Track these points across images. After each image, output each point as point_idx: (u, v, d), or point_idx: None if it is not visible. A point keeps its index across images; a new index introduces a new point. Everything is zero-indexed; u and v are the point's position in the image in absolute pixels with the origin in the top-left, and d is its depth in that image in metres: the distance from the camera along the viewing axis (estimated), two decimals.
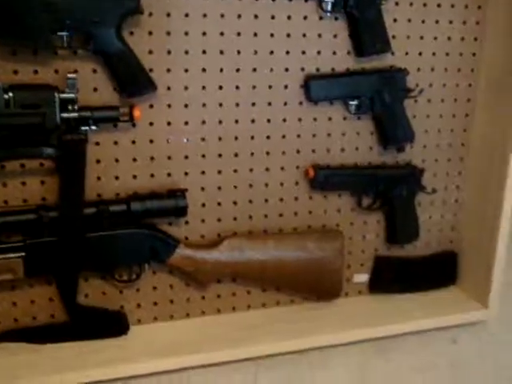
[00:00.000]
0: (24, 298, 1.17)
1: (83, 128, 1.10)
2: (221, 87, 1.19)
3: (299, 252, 1.26)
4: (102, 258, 1.15)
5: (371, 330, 1.29)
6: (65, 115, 1.07)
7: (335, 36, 1.23)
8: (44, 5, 1.02)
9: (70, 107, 1.07)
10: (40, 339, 1.16)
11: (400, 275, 1.39)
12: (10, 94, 1.04)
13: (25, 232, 1.11)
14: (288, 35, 1.20)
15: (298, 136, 1.26)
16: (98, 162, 1.15)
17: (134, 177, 1.18)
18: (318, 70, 1.23)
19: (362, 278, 1.38)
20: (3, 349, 1.15)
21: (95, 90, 1.12)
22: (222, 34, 1.16)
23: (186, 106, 1.17)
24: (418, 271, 1.41)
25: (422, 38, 1.29)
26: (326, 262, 1.28)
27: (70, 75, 1.07)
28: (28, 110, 1.05)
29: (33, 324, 1.18)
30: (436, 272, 1.42)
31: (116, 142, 1.15)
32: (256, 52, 1.19)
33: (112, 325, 1.20)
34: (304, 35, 1.21)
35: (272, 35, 1.20)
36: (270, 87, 1.22)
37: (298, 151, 1.27)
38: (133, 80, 1.11)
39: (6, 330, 1.16)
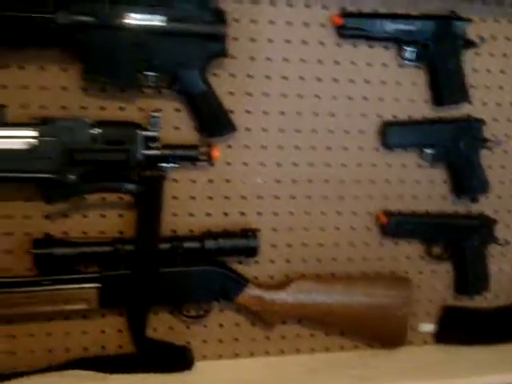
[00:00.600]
0: (95, 327, 1.20)
1: (162, 165, 1.11)
2: (298, 130, 1.20)
3: (366, 298, 1.25)
4: (173, 293, 1.17)
5: (435, 383, 1.26)
6: (147, 152, 1.09)
7: (413, 84, 1.23)
8: (133, 45, 1.05)
9: (152, 145, 1.10)
10: (108, 369, 1.18)
11: (468, 327, 1.37)
12: (97, 130, 1.06)
13: (101, 263, 1.13)
14: (367, 81, 1.21)
15: (372, 181, 1.26)
16: (175, 198, 1.17)
17: (208, 214, 1.19)
18: (394, 116, 1.24)
19: (428, 327, 1.36)
20: (72, 376, 1.17)
21: (176, 128, 1.14)
22: (301, 78, 1.18)
23: (263, 147, 1.19)
24: (488, 323, 1.38)
25: (500, 88, 1.28)
26: (393, 309, 1.26)
27: (153, 114, 1.10)
28: (113, 146, 1.07)
29: (102, 353, 1.19)
30: (506, 324, 1.38)
31: (193, 180, 1.17)
32: (335, 97, 1.20)
33: (178, 359, 1.21)
34: (383, 82, 1.21)
35: (351, 81, 1.20)
36: (347, 132, 1.22)
37: (370, 196, 1.26)
38: (214, 120, 1.13)
39: (75, 357, 1.17)
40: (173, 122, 1.14)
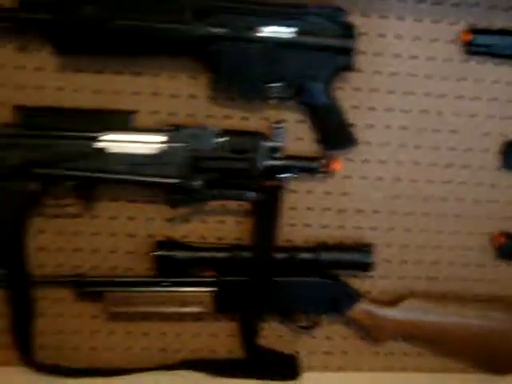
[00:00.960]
0: (206, 331, 1.22)
1: (282, 175, 1.12)
2: (419, 146, 1.18)
3: (481, 320, 1.22)
4: (285, 302, 1.18)
5: None
6: (270, 162, 1.10)
7: None
8: (263, 57, 1.06)
9: (274, 155, 1.11)
10: (217, 372, 1.20)
11: None
12: (223, 139, 1.08)
13: (218, 269, 1.15)
14: (492, 99, 1.18)
15: (491, 201, 1.23)
16: (292, 208, 1.17)
17: (324, 226, 1.20)
18: None
19: None
20: (181, 376, 1.19)
21: (298, 139, 1.15)
22: (426, 94, 1.16)
23: (382, 162, 1.18)
24: None
25: None
26: (509, 334, 1.22)
27: (278, 124, 1.11)
28: (237, 154, 1.08)
29: (211, 356, 1.21)
30: None
31: (311, 191, 1.17)
32: (458, 114, 1.18)
33: (285, 368, 1.22)
34: (509, 101, 1.18)
35: (476, 98, 1.18)
36: (468, 150, 1.20)
37: (488, 217, 1.24)
38: (336, 134, 1.13)
39: (186, 358, 1.20)
40: (295, 132, 1.15)
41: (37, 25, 1.02)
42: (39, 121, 1.07)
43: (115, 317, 1.18)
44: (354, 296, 1.18)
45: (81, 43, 1.03)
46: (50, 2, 1.01)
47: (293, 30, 1.06)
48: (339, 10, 1.07)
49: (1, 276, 1.12)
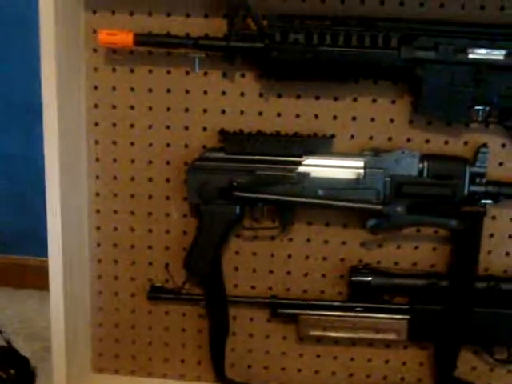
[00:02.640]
0: (396, 358, 1.21)
1: (485, 201, 1.07)
2: None
3: None
4: (484, 333, 1.12)
5: None
6: (473, 188, 1.06)
7: None
8: (470, 80, 1.03)
9: (478, 180, 1.06)
10: None
11: None
12: (424, 164, 1.05)
13: (413, 296, 1.12)
14: None
15: None
16: (491, 236, 1.12)
17: None
18: None
19: None
20: None
21: (501, 164, 1.10)
22: None
23: None
24: None
25: None
26: None
27: (482, 149, 1.07)
28: (440, 180, 1.05)
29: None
30: None
31: None
32: None
33: None
34: None
35: None
36: None
37: None
38: None
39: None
40: (498, 157, 1.10)
41: (247, 53, 1.03)
42: (243, 145, 1.08)
43: (306, 339, 1.18)
44: None
45: (287, 69, 1.03)
46: (260, 32, 1.01)
47: (502, 51, 1.01)
48: None
49: (201, 294, 1.14)
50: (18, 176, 1.61)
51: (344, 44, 1.02)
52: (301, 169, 1.07)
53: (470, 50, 1.02)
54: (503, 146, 1.10)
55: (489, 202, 1.10)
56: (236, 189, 1.08)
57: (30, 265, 1.67)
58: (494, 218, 1.13)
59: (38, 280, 1.55)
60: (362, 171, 1.07)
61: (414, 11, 1.05)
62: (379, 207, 1.06)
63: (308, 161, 1.08)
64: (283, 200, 1.08)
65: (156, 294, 1.17)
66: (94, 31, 1.10)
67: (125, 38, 1.04)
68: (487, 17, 1.05)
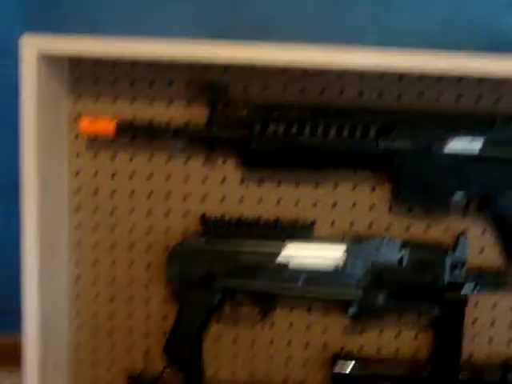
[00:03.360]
0: None
1: (466, 289, 1.07)
2: None
3: None
4: None
5: None
6: (454, 276, 1.07)
7: None
8: (448, 170, 1.04)
9: (458, 268, 1.06)
10: None
11: None
12: (405, 251, 1.05)
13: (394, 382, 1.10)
14: None
15: None
16: (474, 322, 1.12)
17: (510, 343, 1.11)
18: None
19: None
20: None
21: (481, 251, 1.10)
22: None
23: None
24: None
25: None
26: None
27: (462, 237, 1.08)
28: (420, 268, 1.05)
29: None
30: None
31: (494, 305, 1.11)
32: None
33: None
34: None
35: None
36: None
37: None
38: None
39: None
40: (478, 244, 1.10)
41: (228, 142, 1.04)
42: (223, 232, 1.08)
43: None
44: None
45: (267, 159, 1.05)
46: (240, 121, 1.02)
47: (480, 142, 1.02)
48: None
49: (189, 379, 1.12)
50: None
51: (323, 134, 1.02)
52: (282, 256, 1.07)
53: (447, 141, 1.03)
54: (483, 232, 1.10)
55: (470, 289, 1.08)
56: (216, 276, 1.07)
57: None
58: (475, 304, 1.12)
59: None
60: (342, 258, 1.06)
61: (392, 102, 1.05)
62: (360, 295, 1.05)
63: (289, 248, 1.07)
64: (264, 289, 1.07)
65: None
66: (77, 117, 1.10)
67: (107, 127, 1.05)
68: (464, 107, 1.06)
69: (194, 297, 1.09)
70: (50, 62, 1.02)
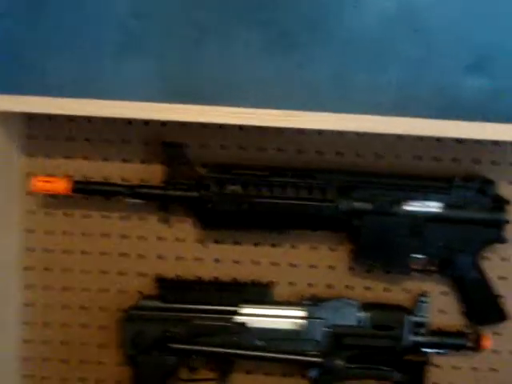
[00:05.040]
0: None
1: (426, 350, 1.05)
2: None
3: None
4: None
5: None
6: (414, 338, 1.05)
7: None
8: (408, 231, 1.03)
9: (419, 330, 1.05)
10: None
11: None
12: (365, 313, 1.04)
13: None
14: None
15: None
16: None
17: None
18: None
19: None
20: None
21: (442, 311, 1.09)
22: None
23: None
24: None
25: None
26: None
27: (422, 298, 1.07)
28: (380, 330, 1.03)
29: None
30: None
31: (456, 367, 1.09)
32: None
33: None
34: None
35: None
36: None
37: None
38: (484, 308, 1.08)
39: None
40: (438, 305, 1.10)
41: (183, 202, 1.02)
42: (179, 293, 1.06)
43: None
44: None
45: (223, 219, 1.02)
46: (196, 182, 1.00)
47: (440, 204, 1.02)
48: (488, 182, 1.02)
49: None
50: None
51: (280, 195, 1.00)
52: (238, 318, 1.05)
53: (405, 202, 1.01)
54: (444, 293, 1.09)
55: (430, 350, 1.06)
56: (171, 339, 1.04)
57: None
58: (437, 366, 1.10)
59: None
60: (301, 321, 1.04)
61: (352, 161, 1.06)
62: (318, 359, 1.03)
63: (245, 310, 1.05)
64: (222, 352, 1.04)
65: None
66: (30, 175, 1.07)
67: (61, 186, 1.03)
68: (423, 168, 1.06)
69: (149, 360, 1.05)
70: (1, 119, 0.98)
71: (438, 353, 1.08)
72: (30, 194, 1.10)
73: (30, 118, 1.07)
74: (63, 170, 1.07)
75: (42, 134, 1.08)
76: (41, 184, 1.02)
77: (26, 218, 1.10)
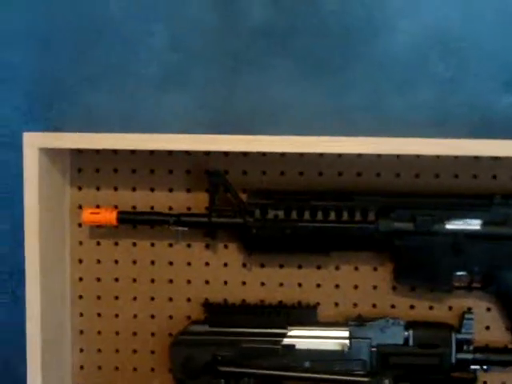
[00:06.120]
0: None
1: (474, 368, 1.06)
2: None
3: None
4: None
5: None
6: (461, 356, 1.05)
7: None
8: (449, 249, 1.04)
9: (465, 347, 1.05)
10: None
11: None
12: (410, 332, 1.04)
13: None
14: None
15: None
16: None
17: None
18: None
19: None
20: None
21: (487, 328, 1.09)
22: None
23: None
24: None
25: None
26: None
27: (467, 315, 1.07)
28: (426, 349, 1.04)
29: None
30: None
31: (504, 383, 1.09)
32: None
33: None
34: None
35: None
36: None
37: None
38: None
39: None
40: (483, 321, 1.10)
41: (228, 228, 1.05)
42: (226, 318, 1.08)
43: None
44: None
45: (267, 244, 1.05)
46: (239, 208, 1.04)
47: (478, 221, 1.03)
48: None
49: None
50: (1, 341, 1.57)
51: (323, 219, 1.03)
52: (286, 341, 1.06)
53: (446, 221, 1.03)
54: (488, 309, 1.09)
55: (478, 367, 1.06)
56: (220, 363, 1.06)
57: None
58: (485, 383, 1.10)
59: None
60: (347, 342, 1.06)
61: (390, 181, 1.08)
62: (366, 379, 1.04)
63: (293, 332, 1.07)
64: (271, 374, 1.06)
65: None
66: (79, 206, 1.11)
67: (108, 217, 1.06)
68: (461, 186, 1.09)
69: None
70: (51, 155, 1.05)
71: (485, 370, 1.07)
72: (79, 225, 1.13)
73: (77, 153, 1.10)
74: (112, 201, 1.10)
75: (90, 166, 1.11)
76: (89, 216, 1.06)
77: (77, 248, 1.14)
